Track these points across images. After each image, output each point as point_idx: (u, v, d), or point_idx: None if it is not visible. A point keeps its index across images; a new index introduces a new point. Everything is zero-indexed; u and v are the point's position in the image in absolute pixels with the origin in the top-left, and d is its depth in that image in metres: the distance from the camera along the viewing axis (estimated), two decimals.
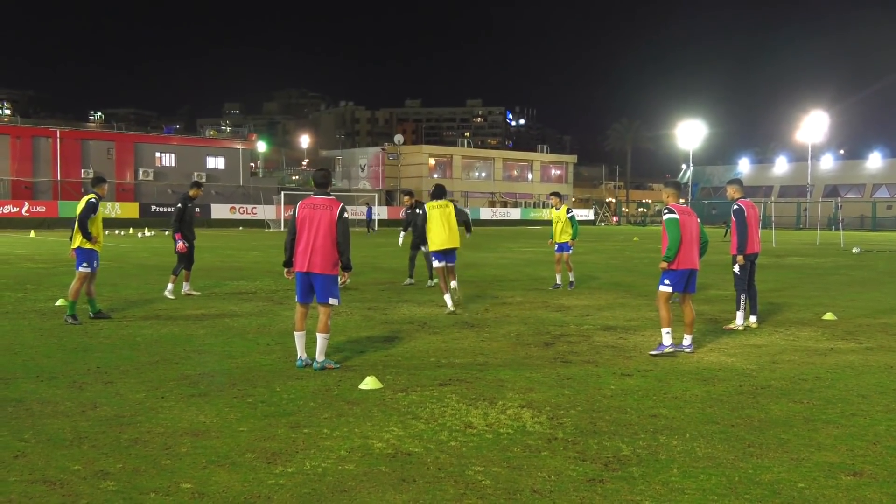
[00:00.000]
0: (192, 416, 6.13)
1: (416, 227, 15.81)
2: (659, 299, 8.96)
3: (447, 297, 12.04)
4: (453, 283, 12.21)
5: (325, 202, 7.88)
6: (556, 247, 15.57)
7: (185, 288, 13.96)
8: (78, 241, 10.92)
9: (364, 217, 54.41)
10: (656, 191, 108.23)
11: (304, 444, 5.45)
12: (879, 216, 66.17)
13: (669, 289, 8.88)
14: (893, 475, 4.94)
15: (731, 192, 11.16)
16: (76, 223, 10.94)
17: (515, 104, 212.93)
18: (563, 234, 15.42)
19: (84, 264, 10.87)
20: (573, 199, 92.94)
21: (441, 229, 12.23)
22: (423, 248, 15.64)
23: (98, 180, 11.46)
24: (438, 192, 12.62)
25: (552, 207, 16.04)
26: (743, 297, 10.79)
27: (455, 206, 12.70)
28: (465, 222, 12.96)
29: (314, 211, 7.84)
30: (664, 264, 8.92)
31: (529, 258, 25.52)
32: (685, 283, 8.94)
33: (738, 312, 10.81)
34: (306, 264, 7.83)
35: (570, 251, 15.52)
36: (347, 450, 5.35)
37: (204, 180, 61.84)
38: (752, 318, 10.94)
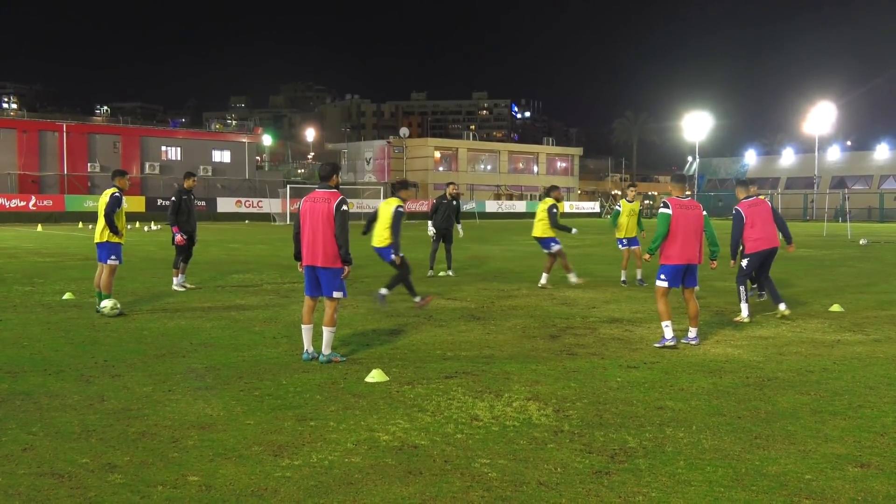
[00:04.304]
0: (199, 410, 6.15)
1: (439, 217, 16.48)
2: (656, 294, 8.98)
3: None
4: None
5: (325, 195, 7.89)
6: (626, 241, 15.10)
7: (180, 279, 13.84)
8: (106, 235, 10.96)
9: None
10: (662, 183, 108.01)
11: (310, 437, 5.47)
12: (887, 207, 65.83)
13: (665, 284, 8.88)
14: None
15: (736, 193, 11.42)
16: (101, 218, 10.96)
17: (521, 97, 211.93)
18: (633, 228, 15.09)
19: (113, 256, 11.00)
20: (579, 192, 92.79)
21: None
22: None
23: (119, 172, 11.47)
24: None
25: (624, 199, 15.36)
26: (742, 289, 10.93)
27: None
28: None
29: (314, 204, 7.86)
30: (647, 256, 9.33)
31: (535, 251, 25.41)
32: (681, 278, 8.91)
33: (742, 304, 10.84)
34: (310, 258, 7.86)
35: (639, 245, 15.16)
36: (354, 442, 5.36)
37: (210, 173, 62.06)
38: (782, 306, 10.97)
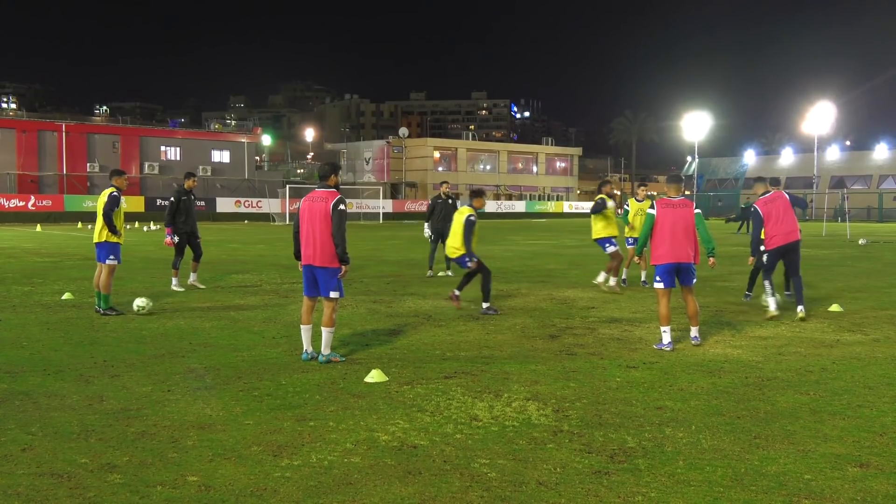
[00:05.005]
0: (198, 410, 6.14)
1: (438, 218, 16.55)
2: (657, 295, 8.97)
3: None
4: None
5: (324, 195, 7.89)
6: (633, 241, 14.89)
7: (192, 278, 14.01)
8: (104, 235, 10.97)
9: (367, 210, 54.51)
10: (661, 183, 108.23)
11: (309, 437, 5.46)
12: (886, 207, 65.83)
13: (661, 285, 8.87)
14: None
15: (755, 188, 11.54)
16: (100, 218, 10.96)
17: (520, 96, 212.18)
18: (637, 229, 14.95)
19: (111, 256, 11.00)
20: (578, 192, 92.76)
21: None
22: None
23: (117, 172, 11.51)
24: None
25: (634, 198, 15.25)
26: (767, 284, 10.93)
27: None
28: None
29: (313, 203, 7.87)
30: (636, 258, 9.79)
31: (535, 251, 25.50)
32: (674, 276, 8.90)
33: (769, 299, 10.85)
34: (308, 257, 7.86)
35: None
36: (353, 442, 5.36)
37: (209, 174, 62.05)
38: (800, 308, 10.89)
